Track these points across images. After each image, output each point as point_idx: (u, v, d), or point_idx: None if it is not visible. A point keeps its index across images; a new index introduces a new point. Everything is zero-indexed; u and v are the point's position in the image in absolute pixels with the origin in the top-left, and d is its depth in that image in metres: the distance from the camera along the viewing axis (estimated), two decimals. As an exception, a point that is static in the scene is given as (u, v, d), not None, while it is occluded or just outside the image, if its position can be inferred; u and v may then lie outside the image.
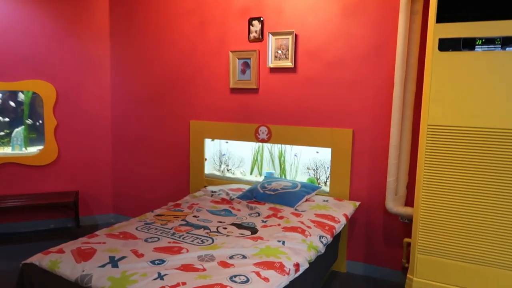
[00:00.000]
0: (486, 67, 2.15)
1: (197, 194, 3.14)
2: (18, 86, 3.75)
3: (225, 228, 2.34)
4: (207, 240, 2.12)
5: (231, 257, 1.91)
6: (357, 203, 2.90)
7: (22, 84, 3.74)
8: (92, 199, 4.08)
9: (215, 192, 3.14)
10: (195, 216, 2.55)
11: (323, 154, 3.30)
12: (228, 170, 3.67)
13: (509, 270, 2.21)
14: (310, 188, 2.98)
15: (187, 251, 1.97)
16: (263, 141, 3.33)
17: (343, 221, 2.62)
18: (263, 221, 2.48)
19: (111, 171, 4.18)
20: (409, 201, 2.84)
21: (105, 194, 4.18)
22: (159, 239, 2.13)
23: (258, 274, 1.75)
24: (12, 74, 3.70)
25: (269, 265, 1.84)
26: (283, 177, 3.46)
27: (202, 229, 2.31)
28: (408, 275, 2.49)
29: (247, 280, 1.68)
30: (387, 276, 3.00)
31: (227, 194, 3.07)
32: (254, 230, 2.31)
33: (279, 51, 3.20)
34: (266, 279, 1.72)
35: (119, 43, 3.97)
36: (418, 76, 2.70)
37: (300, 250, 2.08)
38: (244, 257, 1.92)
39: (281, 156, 3.48)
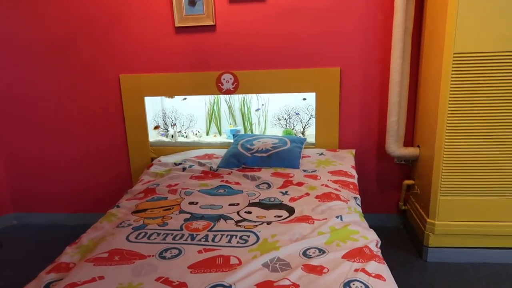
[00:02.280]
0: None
1: (156, 171, 2.38)
2: None
3: (250, 213, 1.74)
4: (248, 236, 1.51)
5: (306, 256, 1.37)
6: (353, 151, 2.57)
7: None
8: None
9: (179, 164, 2.42)
10: (192, 203, 1.86)
11: (296, 101, 2.82)
12: (178, 133, 2.91)
13: (532, 196, 2.19)
14: (298, 142, 2.51)
15: (240, 261, 1.34)
16: (228, 92, 2.66)
17: (355, 174, 2.26)
18: (283, 193, 1.94)
19: (4, 161, 2.97)
20: (407, 141, 2.63)
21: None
22: (180, 251, 1.43)
23: (366, 272, 1.27)
24: None
25: (362, 256, 1.37)
26: (250, 133, 2.89)
27: (221, 219, 1.67)
28: (428, 220, 2.31)
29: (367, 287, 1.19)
30: (382, 221, 2.83)
31: (200, 164, 2.39)
32: (288, 208, 1.77)
33: (241, -26, 2.47)
34: (381, 277, 1.25)
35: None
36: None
37: (359, 223, 1.66)
38: (321, 251, 1.40)
39: (243, 107, 2.88)
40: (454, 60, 2.04)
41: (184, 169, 2.33)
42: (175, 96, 2.87)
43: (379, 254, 1.42)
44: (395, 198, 2.78)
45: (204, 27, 2.59)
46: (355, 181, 2.16)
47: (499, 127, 2.10)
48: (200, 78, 2.66)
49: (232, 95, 2.84)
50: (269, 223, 1.62)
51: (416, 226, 2.51)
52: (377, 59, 2.53)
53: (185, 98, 2.89)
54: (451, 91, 2.08)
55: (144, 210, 1.81)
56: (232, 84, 2.64)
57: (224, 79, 2.64)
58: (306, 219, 1.64)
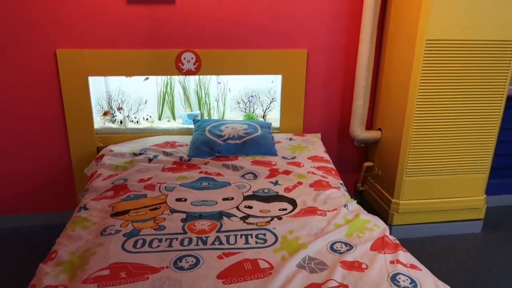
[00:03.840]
0: (484, -25, 2.04)
1: (114, 163, 2.06)
2: None
3: (250, 207, 1.59)
4: (265, 235, 1.38)
5: (336, 251, 1.30)
6: (319, 135, 2.56)
7: None
8: None
9: (140, 154, 2.14)
10: (180, 200, 1.64)
11: (256, 82, 2.69)
12: (127, 118, 2.57)
13: (481, 173, 2.43)
14: (266, 127, 2.40)
15: (271, 265, 1.21)
16: (189, 73, 2.41)
17: (329, 158, 2.25)
18: (273, 183, 1.83)
19: None
20: (367, 125, 2.70)
21: None
22: (197, 258, 1.23)
23: (402, 264, 1.24)
24: None
25: (387, 246, 1.34)
26: (207, 117, 2.69)
27: (224, 217, 1.50)
28: (393, 200, 2.43)
29: (413, 282, 1.16)
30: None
31: (166, 153, 2.14)
32: (288, 200, 1.66)
33: None
34: (416, 268, 1.24)
35: None
36: (382, -15, 2.40)
37: (361, 210, 1.64)
38: (347, 244, 1.34)
39: (199, 89, 2.65)
40: (426, 46, 2.11)
41: (150, 160, 2.06)
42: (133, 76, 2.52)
43: (397, 241, 1.41)
44: (353, 179, 2.87)
45: (162, -2, 2.28)
46: (333, 166, 2.15)
47: (462, 108, 2.26)
48: (157, 56, 2.36)
49: (186, 76, 2.59)
50: (279, 218, 1.50)
51: (377, 206, 2.62)
52: (343, 43, 2.52)
53: (147, 78, 2.55)
54: (421, 76, 2.17)
55: (126, 212, 1.54)
56: (194, 64, 2.39)
57: (184, 58, 2.38)
58: (314, 211, 1.56)
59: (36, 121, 2.37)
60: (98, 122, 2.53)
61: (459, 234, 2.53)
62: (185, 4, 2.31)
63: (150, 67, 2.37)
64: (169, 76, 2.57)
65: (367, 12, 2.33)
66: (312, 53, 2.51)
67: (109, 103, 2.57)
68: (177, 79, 2.61)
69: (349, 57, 2.55)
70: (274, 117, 2.72)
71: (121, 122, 2.52)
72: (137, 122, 2.56)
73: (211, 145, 2.15)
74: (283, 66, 2.48)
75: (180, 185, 1.78)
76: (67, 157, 2.46)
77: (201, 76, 2.59)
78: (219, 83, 2.65)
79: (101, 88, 2.55)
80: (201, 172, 1.93)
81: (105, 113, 2.53)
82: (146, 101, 2.61)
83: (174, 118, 2.69)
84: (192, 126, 2.54)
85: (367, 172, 2.77)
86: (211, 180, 1.84)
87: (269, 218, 1.50)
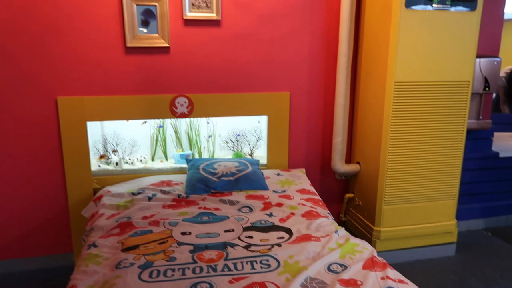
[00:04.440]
0: (440, 24, 2.37)
1: (114, 203, 2.18)
2: None
3: (251, 237, 1.74)
4: (268, 260, 1.53)
5: (333, 271, 1.46)
6: (304, 170, 2.76)
7: None
8: None
9: (138, 194, 2.26)
10: (185, 234, 1.77)
11: (242, 123, 2.90)
12: (122, 160, 2.69)
13: (450, 199, 2.68)
14: (255, 163, 2.59)
15: (277, 286, 1.36)
16: (182, 115, 2.59)
17: (315, 191, 2.45)
18: (269, 215, 1.99)
19: None
20: (346, 159, 2.93)
21: None
22: (211, 284, 1.36)
23: (391, 279, 1.42)
24: None
25: (377, 265, 1.52)
26: (198, 157, 2.85)
27: (228, 247, 1.64)
28: (375, 228, 2.62)
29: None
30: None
31: (164, 192, 2.28)
32: (284, 229, 1.83)
33: (197, -2, 2.48)
34: (403, 282, 1.42)
35: None
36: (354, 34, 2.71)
37: (349, 235, 1.82)
38: (342, 265, 1.50)
39: (190, 131, 2.83)
40: (395, 87, 2.40)
41: (149, 198, 2.18)
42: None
43: (385, 261, 1.59)
44: (335, 210, 3.06)
45: (158, 49, 2.49)
46: (319, 198, 2.34)
47: (429, 141, 2.53)
48: (153, 101, 2.54)
49: (177, 119, 2.77)
50: (279, 245, 1.66)
51: (360, 235, 2.80)
52: (322, 84, 2.79)
53: (145, 122, 2.70)
54: (392, 113, 2.44)
55: (136, 247, 1.65)
56: (187, 107, 2.59)
57: (178, 102, 2.57)
58: (308, 237, 1.73)
59: (35, 165, 2.46)
60: (94, 164, 2.64)
61: (436, 257, 2.73)
62: (178, 54, 2.53)
63: (146, 111, 2.55)
64: (161, 119, 2.74)
65: (342, 57, 2.63)
66: (294, 95, 2.76)
67: (104, 146, 2.69)
68: (169, 121, 2.78)
69: (327, 97, 2.81)
70: (260, 155, 2.91)
71: (116, 164, 2.64)
72: (132, 163, 2.69)
73: (206, 182, 2.31)
74: (268, 107, 2.71)
75: (182, 220, 1.91)
76: (63, 199, 2.53)
77: (192, 118, 2.78)
78: (207, 122, 2.83)
79: (97, 131, 2.68)
80: (200, 208, 2.07)
81: (101, 156, 2.65)
82: (138, 142, 2.76)
83: (166, 158, 2.83)
84: (184, 165, 2.69)
85: (348, 203, 2.97)
86: (211, 215, 1.99)
87: (270, 246, 1.65)
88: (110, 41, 2.42)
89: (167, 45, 2.48)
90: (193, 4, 2.48)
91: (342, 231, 1.83)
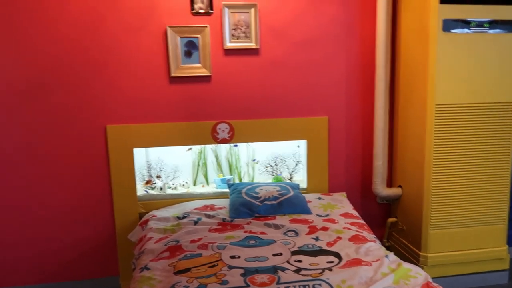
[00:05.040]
0: (479, 47, 2.36)
1: (162, 227, 2.23)
2: None
3: (300, 261, 1.74)
4: (320, 285, 1.52)
5: (388, 296, 1.43)
6: (345, 194, 2.74)
7: None
8: None
9: (183, 218, 2.31)
10: (234, 257, 1.79)
11: (281, 147, 2.93)
12: (166, 185, 2.76)
13: (500, 224, 2.58)
14: (296, 188, 2.59)
15: (333, 309, 1.35)
16: (224, 141, 2.66)
17: (359, 215, 2.42)
18: (315, 239, 1.99)
19: None
20: (387, 182, 2.89)
21: None
22: (266, 307, 1.37)
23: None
24: None
25: (435, 290, 1.48)
26: (238, 181, 2.89)
27: (278, 271, 1.64)
28: (421, 253, 2.54)
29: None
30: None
31: (208, 216, 2.31)
32: (333, 253, 1.82)
33: (238, 29, 2.59)
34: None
35: None
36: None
37: (401, 260, 1.78)
38: (398, 291, 1.48)
39: (231, 156, 2.88)
40: (436, 110, 2.38)
41: (195, 222, 2.23)
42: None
43: (440, 286, 1.54)
44: (378, 235, 2.97)
45: (200, 77, 2.60)
46: (364, 222, 2.31)
47: (474, 163, 2.47)
48: (195, 128, 2.63)
49: (218, 144, 2.83)
50: (329, 269, 1.64)
51: (405, 260, 2.71)
52: (359, 108, 2.80)
53: (190, 148, 2.78)
54: (435, 136, 2.41)
55: (187, 270, 1.68)
56: (228, 133, 2.65)
57: (219, 128, 2.64)
58: (358, 262, 1.71)
59: (85, 190, 2.57)
60: (139, 189, 2.73)
61: (488, 285, 2.60)
62: (219, 82, 2.62)
63: (189, 137, 2.63)
64: (202, 145, 2.81)
65: (379, 82, 2.64)
66: (332, 119, 2.78)
67: (149, 172, 2.78)
68: (209, 147, 2.85)
69: (365, 120, 2.82)
70: (300, 179, 2.92)
71: (160, 189, 2.72)
72: (175, 188, 2.76)
73: (250, 206, 2.33)
74: (307, 132, 2.74)
75: (230, 243, 1.93)
76: (111, 223, 2.61)
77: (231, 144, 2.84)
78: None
79: (141, 158, 2.78)
80: (245, 232, 2.09)
81: (147, 182, 2.74)
82: (180, 168, 2.83)
83: (207, 183, 2.89)
84: (225, 190, 2.73)
85: (391, 228, 2.91)
86: (257, 239, 2.00)
87: (321, 270, 1.64)
88: (156, 72, 2.55)
89: (209, 73, 2.59)
90: (233, 35, 2.59)
91: (392, 256, 1.80)
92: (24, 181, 2.51)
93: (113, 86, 2.52)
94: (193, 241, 1.98)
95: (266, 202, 2.36)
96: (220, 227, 2.16)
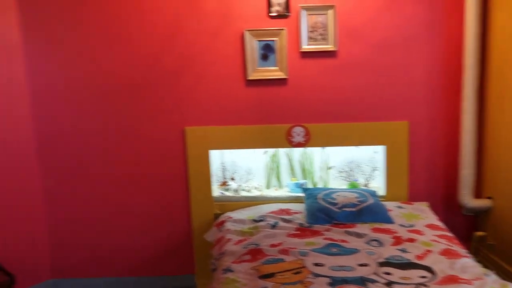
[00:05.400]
0: None
1: (238, 229, 2.24)
2: None
3: (389, 274, 1.65)
4: (418, 301, 1.42)
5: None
6: (427, 204, 2.57)
7: None
8: (19, 264, 2.50)
9: (259, 221, 2.30)
10: (318, 265, 1.74)
11: (357, 153, 2.82)
12: (240, 187, 2.78)
13: None
14: (374, 195, 2.48)
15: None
16: (299, 145, 2.62)
17: (445, 227, 2.25)
18: (402, 250, 1.87)
19: (45, 216, 2.67)
20: (475, 192, 2.67)
21: (37, 252, 2.65)
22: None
23: None
24: None
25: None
26: (312, 186, 2.82)
27: (367, 283, 1.56)
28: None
29: None
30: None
31: (285, 220, 2.28)
32: (425, 268, 1.70)
33: (315, 31, 2.54)
34: None
35: (37, 12, 2.51)
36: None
37: (503, 281, 1.62)
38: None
39: (305, 160, 2.83)
40: (538, 115, 2.15)
41: (273, 226, 2.21)
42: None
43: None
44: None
45: (276, 80, 2.58)
46: (453, 235, 2.14)
47: None
48: (270, 131, 2.62)
49: (291, 148, 2.79)
50: (425, 285, 1.53)
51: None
52: (443, 112, 2.62)
53: (266, 152, 2.78)
54: (536, 144, 2.18)
55: (272, 275, 1.66)
56: (303, 137, 2.61)
57: (295, 132, 2.61)
58: (455, 279, 1.58)
59: (164, 189, 2.66)
60: (215, 190, 2.77)
61: None
62: (295, 85, 2.59)
63: (263, 140, 2.63)
64: (275, 148, 2.79)
65: (468, 85, 2.45)
66: (413, 124, 2.62)
67: (223, 174, 2.82)
68: (282, 150, 2.83)
69: (450, 126, 2.62)
70: (376, 186, 2.79)
71: (235, 191, 2.74)
72: (249, 190, 2.77)
73: (328, 212, 2.27)
74: (386, 137, 2.62)
75: (311, 250, 1.88)
76: (188, 223, 2.68)
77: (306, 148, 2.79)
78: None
79: (216, 159, 2.82)
80: (325, 239, 2.03)
81: (223, 183, 2.77)
82: (253, 170, 2.83)
83: (280, 187, 2.86)
84: (299, 194, 2.69)
85: (478, 243, 2.68)
86: (339, 247, 1.93)
87: (414, 285, 1.54)
88: (232, 75, 2.58)
89: (285, 76, 2.56)
90: (310, 37, 2.54)
91: (493, 275, 1.64)
92: (107, 179, 2.65)
93: (192, 89, 2.58)
94: (273, 245, 1.96)
95: (344, 208, 2.28)
96: (298, 232, 2.12)
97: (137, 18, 2.52)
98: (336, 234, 2.09)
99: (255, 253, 1.89)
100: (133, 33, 2.53)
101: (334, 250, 1.89)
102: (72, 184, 2.66)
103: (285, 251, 1.88)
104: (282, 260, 1.80)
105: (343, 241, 2.00)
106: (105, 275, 2.73)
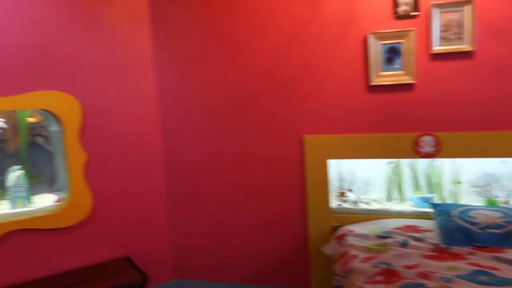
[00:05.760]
0: None
1: (363, 245, 2.10)
2: (18, 102, 2.26)
3: None
4: None
5: None
6: None
7: (23, 99, 2.27)
8: (145, 263, 2.70)
9: (385, 237, 2.12)
10: (465, 294, 1.53)
11: (494, 165, 2.47)
12: (359, 199, 2.64)
13: None
14: (521, 215, 2.14)
15: None
16: (428, 156, 2.39)
17: None
18: None
19: (169, 219, 2.85)
20: None
21: (162, 253, 2.84)
22: None
23: None
24: (7, 85, 2.22)
25: None
26: (441, 201, 2.56)
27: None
28: None
29: None
30: None
31: (415, 238, 2.08)
32: None
33: (448, 30, 2.30)
34: None
35: (166, 28, 2.69)
36: None
37: None
38: None
39: (432, 172, 2.57)
40: None
41: (402, 244, 2.03)
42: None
43: None
44: None
45: (401, 86, 2.40)
46: None
47: None
48: (393, 140, 2.43)
49: (416, 158, 2.56)
50: None
51: None
52: None
53: (391, 162, 2.63)
54: None
55: (415, 301, 1.50)
56: (433, 147, 2.37)
57: (423, 141, 2.39)
58: None
59: (280, 198, 2.64)
60: (332, 201, 2.67)
61: None
62: (424, 90, 2.37)
63: (386, 150, 2.45)
64: (397, 159, 2.59)
65: None
66: None
67: (340, 184, 2.71)
68: (405, 161, 2.61)
69: None
70: (520, 204, 2.42)
71: (354, 203, 2.61)
72: (368, 203, 2.61)
73: (467, 232, 2.01)
74: (536, 147, 2.25)
75: (456, 276, 1.67)
76: (304, 233, 2.63)
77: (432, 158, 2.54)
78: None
79: (333, 169, 2.72)
80: (470, 264, 1.79)
81: (341, 194, 2.67)
82: (372, 182, 2.67)
83: (402, 200, 2.65)
84: (426, 209, 2.45)
85: None
86: (489, 275, 1.69)
87: None
88: (354, 81, 2.46)
89: (412, 81, 2.36)
90: (442, 38, 2.31)
91: None
92: (226, 186, 2.72)
93: (311, 96, 2.53)
94: (408, 267, 1.79)
95: (488, 230, 2.00)
96: (435, 254, 1.92)
97: (256, 29, 2.56)
98: (482, 259, 1.84)
99: (389, 274, 1.74)
100: (253, 44, 2.57)
101: (483, 278, 1.66)
102: (194, 190, 2.79)
103: (425, 275, 1.70)
104: (423, 286, 1.62)
105: (492, 268, 1.75)
106: (221, 279, 2.80)
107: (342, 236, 2.31)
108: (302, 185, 2.60)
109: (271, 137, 2.62)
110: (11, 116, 2.52)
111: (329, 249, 2.38)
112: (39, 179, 2.59)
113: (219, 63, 2.65)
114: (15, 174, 2.39)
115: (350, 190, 2.69)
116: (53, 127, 2.54)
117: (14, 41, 2.22)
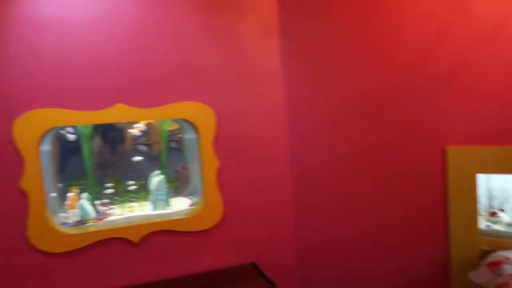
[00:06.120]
0: None
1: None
2: (163, 112, 2.43)
3: None
4: None
5: None
6: None
7: (167, 110, 2.42)
8: (270, 272, 2.69)
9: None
10: None
11: None
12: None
13: None
14: None
15: None
16: None
17: None
18: None
19: (295, 231, 2.80)
20: None
21: (287, 263, 2.81)
22: None
23: None
24: (151, 97, 2.39)
25: None
26: None
27: None
28: None
29: None
30: None
31: None
32: None
33: None
34: None
35: (294, 39, 2.65)
36: None
37: None
38: None
39: None
40: None
41: None
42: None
43: None
44: None
45: None
46: None
47: None
48: None
49: None
50: None
51: None
52: None
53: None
54: None
55: None
56: None
57: None
58: None
59: (418, 213, 2.41)
60: (480, 222, 2.36)
61: None
62: None
63: (555, 165, 2.07)
64: None
65: None
66: None
67: (489, 202, 2.38)
68: None
69: None
70: None
71: (508, 225, 2.26)
72: (524, 225, 2.24)
73: None
74: None
75: None
76: (444, 254, 2.36)
77: None
78: None
79: (481, 184, 2.40)
80: None
81: (491, 214, 2.34)
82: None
83: None
84: None
85: None
86: None
87: None
88: (507, 85, 2.13)
89: None
90: None
91: None
92: (357, 198, 2.58)
93: (458, 101, 2.26)
94: None
95: None
96: None
97: (395, 29, 2.37)
98: None
99: None
100: (391, 45, 2.39)
101: None
102: (321, 203, 2.69)
103: None
104: None
105: None
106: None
107: (496, 264, 2.00)
108: (443, 200, 2.34)
109: (408, 148, 2.41)
110: (154, 125, 2.75)
111: (479, 277, 2.08)
112: (176, 183, 2.76)
113: (349, 71, 2.52)
114: (157, 179, 2.58)
115: (502, 210, 2.34)
116: (189, 135, 2.69)
117: (159, 56, 2.40)
